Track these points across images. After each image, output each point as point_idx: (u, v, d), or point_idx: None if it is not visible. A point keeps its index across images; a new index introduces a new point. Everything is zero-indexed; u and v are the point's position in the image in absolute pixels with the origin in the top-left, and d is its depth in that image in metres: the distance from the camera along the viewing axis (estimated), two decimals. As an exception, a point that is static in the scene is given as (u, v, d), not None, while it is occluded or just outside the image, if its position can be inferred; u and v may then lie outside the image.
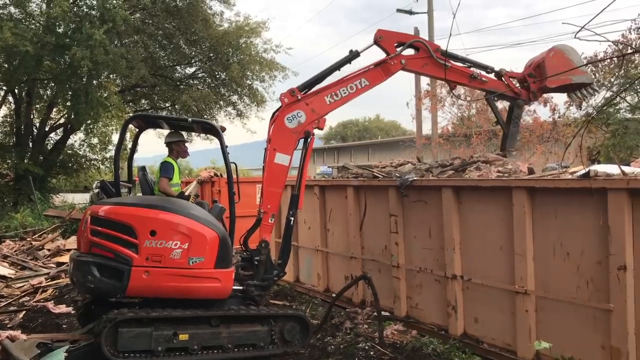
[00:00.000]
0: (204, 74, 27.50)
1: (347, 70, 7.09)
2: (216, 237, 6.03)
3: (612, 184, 4.92)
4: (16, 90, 23.30)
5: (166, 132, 7.76)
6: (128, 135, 17.66)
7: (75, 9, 20.11)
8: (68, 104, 21.98)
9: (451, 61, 7.25)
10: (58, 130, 25.54)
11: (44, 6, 20.69)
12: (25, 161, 22.50)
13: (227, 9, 26.43)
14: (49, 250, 13.85)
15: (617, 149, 16.32)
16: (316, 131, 6.99)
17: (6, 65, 19.75)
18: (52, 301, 9.26)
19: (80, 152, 26.75)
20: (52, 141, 25.57)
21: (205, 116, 25.76)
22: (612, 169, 5.31)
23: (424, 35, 24.91)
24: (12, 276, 11.18)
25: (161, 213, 5.96)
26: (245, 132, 28.45)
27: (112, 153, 24.57)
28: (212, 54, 25.73)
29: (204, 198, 13.00)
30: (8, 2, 20.03)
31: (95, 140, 25.45)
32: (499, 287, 6.10)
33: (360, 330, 7.20)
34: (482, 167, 7.18)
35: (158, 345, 5.70)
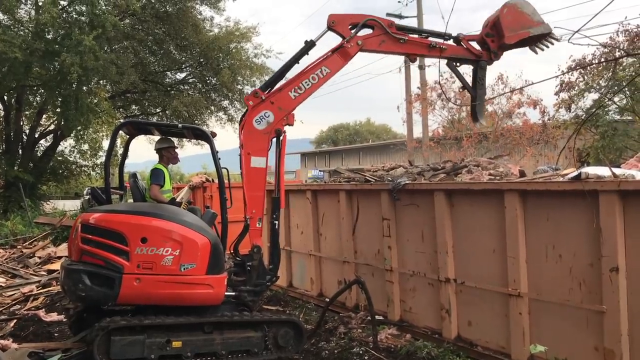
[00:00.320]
0: (194, 79, 27.48)
1: (306, 62, 7.04)
2: (207, 243, 6.01)
3: (603, 185, 4.95)
4: (5, 97, 23.18)
5: (157, 138, 7.72)
6: (119, 141, 17.63)
7: (64, 15, 20.06)
8: (58, 110, 21.90)
9: (407, 34, 7.24)
10: (48, 137, 25.40)
11: (33, 12, 20.63)
12: (15, 168, 22.34)
13: (217, 14, 26.46)
14: (39, 257, 13.73)
15: (606, 150, 16.46)
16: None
17: (-5, 72, 19.64)
18: (44, 309, 9.18)
19: (71, 159, 26.63)
20: (42, 148, 25.41)
21: (196, 121, 25.73)
22: (603, 170, 5.33)
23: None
24: (3, 284, 11.08)
25: (152, 220, 5.93)
26: (236, 137, 28.38)
27: (103, 159, 24.45)
28: (202, 59, 25.72)
29: (196, 204, 12.96)
30: (-4, 9, 19.93)
31: (85, 147, 25.38)
32: (492, 290, 6.11)
33: (354, 335, 7.18)
34: (473, 170, 7.19)
35: (151, 353, 5.67)
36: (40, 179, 24.60)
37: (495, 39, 7.27)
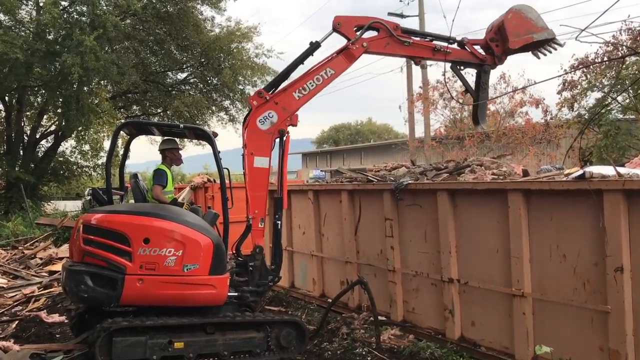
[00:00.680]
0: (195, 79, 27.46)
1: (310, 62, 7.03)
2: (210, 244, 5.98)
3: (607, 185, 4.92)
4: (6, 98, 23.17)
5: (158, 138, 7.71)
6: (120, 142, 17.62)
7: (65, 16, 20.05)
8: (59, 110, 21.89)
9: (412, 37, 7.23)
10: (49, 138, 25.40)
11: (34, 13, 20.64)
12: (16, 169, 22.34)
13: (218, 14, 26.35)
14: (41, 258, 13.72)
15: (609, 149, 16.42)
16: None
17: (-4, 73, 19.63)
18: (45, 310, 9.16)
19: (72, 159, 26.61)
20: (43, 148, 25.41)
21: (197, 122, 25.69)
22: (607, 170, 5.31)
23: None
24: (4, 285, 11.07)
25: (154, 220, 5.91)
26: (238, 137, 28.43)
27: (104, 160, 24.47)
28: (203, 59, 25.70)
29: (197, 204, 12.95)
30: (-3, 9, 19.92)
31: (86, 147, 25.33)
32: (496, 290, 6.08)
33: (357, 336, 7.16)
34: (476, 169, 7.17)
35: (153, 354, 5.65)
36: (42, 179, 24.60)
37: (500, 43, 7.28)
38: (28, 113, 24.48)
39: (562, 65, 21.71)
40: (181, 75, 27.81)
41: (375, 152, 54.98)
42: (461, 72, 7.54)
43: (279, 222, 6.98)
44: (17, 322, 8.69)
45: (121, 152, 13.16)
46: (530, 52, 7.38)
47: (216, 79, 26.02)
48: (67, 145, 26.21)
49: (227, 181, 6.66)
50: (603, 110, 16.42)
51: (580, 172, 5.35)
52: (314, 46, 7.00)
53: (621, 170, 5.38)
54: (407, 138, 28.26)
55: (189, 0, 23.72)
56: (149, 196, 7.24)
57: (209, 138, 6.77)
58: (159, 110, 27.75)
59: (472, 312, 6.45)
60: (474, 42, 7.46)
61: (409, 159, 16.51)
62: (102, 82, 22.89)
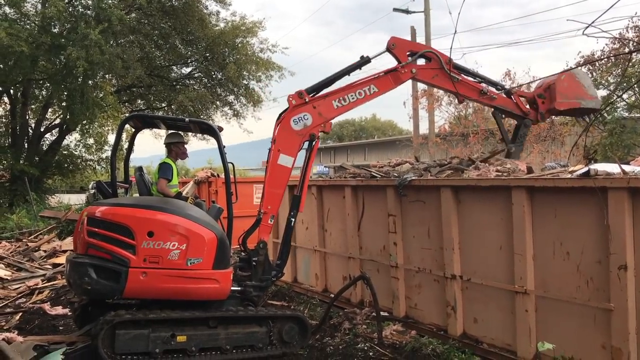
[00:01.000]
0: (200, 74, 27.45)
1: (356, 75, 7.12)
2: (214, 238, 5.99)
3: (612, 182, 4.90)
4: (11, 91, 23.21)
5: (163, 132, 7.71)
6: (124, 135, 17.64)
7: (70, 9, 20.06)
8: (64, 104, 21.92)
9: (462, 74, 7.25)
10: (54, 131, 25.45)
11: (39, 6, 20.64)
12: (21, 162, 22.40)
13: (223, 9, 26.35)
14: (45, 251, 13.78)
15: (614, 147, 16.35)
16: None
17: (1, 66, 19.66)
18: (49, 303, 9.20)
19: (76, 153, 26.66)
20: (47, 142, 25.44)
21: (201, 116, 25.69)
22: (612, 167, 5.29)
23: (421, 34, 24.94)
24: (8, 277, 11.12)
25: (159, 214, 5.92)
26: (242, 132, 28.47)
27: (108, 153, 24.52)
28: (208, 54, 25.68)
29: (201, 199, 12.97)
30: (3, 2, 19.93)
31: (91, 141, 25.41)
32: (499, 287, 6.08)
33: (359, 331, 7.17)
34: (480, 166, 7.15)
35: (156, 347, 5.66)
36: (46, 172, 24.65)
37: (547, 101, 7.35)
38: (33, 106, 24.50)
39: (567, 62, 21.63)
40: (186, 70, 27.83)
41: (379, 148, 54.91)
42: (502, 119, 7.63)
43: (293, 219, 7.00)
44: (20, 314, 8.74)
45: (126, 145, 13.19)
46: (573, 117, 7.45)
47: (221, 73, 26.00)
48: (72, 139, 26.33)
49: (231, 176, 6.67)
50: (608, 108, 16.35)
51: (585, 169, 5.34)
52: (364, 60, 7.10)
53: (626, 168, 5.36)
54: (411, 134, 28.23)
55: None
56: (154, 190, 7.25)
57: (214, 132, 6.77)
58: (163, 105, 27.77)
59: (474, 309, 6.44)
60: (520, 94, 7.54)
61: (413, 155, 16.50)
62: (106, 75, 22.91)
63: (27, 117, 24.17)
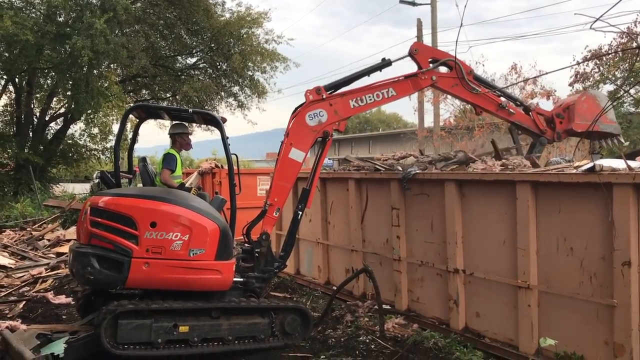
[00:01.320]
0: (205, 64, 27.38)
1: (375, 77, 7.11)
2: (217, 229, 5.99)
3: (618, 178, 4.87)
4: (17, 80, 23.22)
5: (167, 122, 7.70)
6: (128, 125, 17.62)
7: (75, -2, 19.99)
8: (68, 93, 21.90)
9: (482, 86, 7.21)
10: (58, 120, 25.48)
11: (45, -5, 20.57)
12: (26, 151, 22.45)
13: (228, -1, 26.30)
14: (48, 240, 13.82)
15: (620, 143, 16.25)
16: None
17: (6, 54, 19.66)
18: (52, 292, 9.25)
19: (81, 142, 26.72)
20: (52, 131, 25.48)
21: (206, 107, 25.64)
22: (618, 163, 5.26)
23: (427, 26, 24.79)
24: (12, 266, 11.16)
25: (162, 204, 5.91)
26: (247, 123, 28.33)
27: (113, 143, 24.51)
28: (213, 45, 25.60)
29: (205, 190, 12.97)
30: (8, -10, 19.91)
31: (95, 130, 25.42)
32: (501, 282, 6.07)
33: (361, 324, 7.18)
34: (486, 160, 7.13)
35: (158, 337, 5.66)
36: (50, 162, 24.71)
37: (565, 121, 7.31)
38: (38, 95, 24.51)
39: (574, 56, 21.50)
40: (191, 60, 27.76)
41: (384, 141, 54.76)
42: (518, 135, 7.65)
43: (300, 212, 7.00)
44: (24, 302, 8.79)
45: (130, 135, 13.17)
46: (590, 139, 7.42)
47: (225, 64, 25.93)
48: (77, 128, 26.35)
49: (235, 167, 6.66)
50: (615, 103, 16.26)
51: (590, 164, 5.30)
52: (385, 63, 7.12)
53: (632, 163, 5.33)
54: (416, 127, 28.13)
55: (200, -16, 23.59)
56: (157, 180, 7.25)
57: (217, 123, 6.75)
58: (168, 95, 27.74)
59: (477, 303, 6.44)
60: (539, 112, 7.49)
61: (418, 148, 16.44)
62: (111, 65, 22.89)
63: (32, 106, 24.20)
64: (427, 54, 7.22)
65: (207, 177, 13.62)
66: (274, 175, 6.75)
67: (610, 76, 18.02)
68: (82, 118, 23.05)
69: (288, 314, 6.40)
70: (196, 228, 5.86)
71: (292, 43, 26.34)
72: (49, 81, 23.92)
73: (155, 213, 5.80)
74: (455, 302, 6.61)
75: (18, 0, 20.33)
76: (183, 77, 26.96)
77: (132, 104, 20.15)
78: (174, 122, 7.56)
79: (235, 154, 6.75)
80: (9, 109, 25.29)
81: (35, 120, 24.42)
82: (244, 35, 25.04)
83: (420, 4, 25.62)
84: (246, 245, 6.78)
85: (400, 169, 7.59)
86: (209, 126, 9.58)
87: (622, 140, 7.40)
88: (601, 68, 18.17)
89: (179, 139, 7.43)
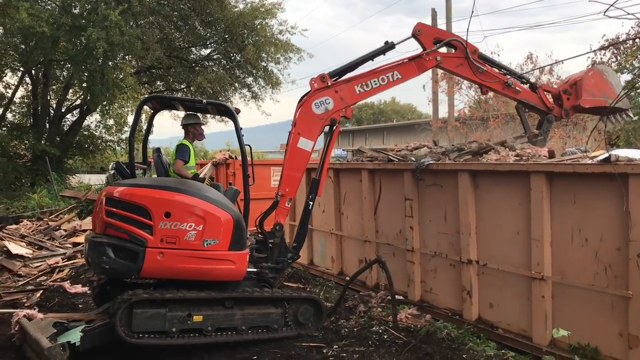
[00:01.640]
0: (219, 55, 27.37)
1: (379, 61, 7.06)
2: (230, 220, 6.03)
3: (633, 169, 4.82)
4: (33, 71, 23.41)
5: (181, 113, 7.73)
6: (143, 116, 17.73)
7: (90, -10, 20.07)
8: (84, 85, 22.06)
9: (487, 65, 7.14)
10: (74, 112, 25.69)
11: (60, -13, 20.68)
12: (42, 142, 22.67)
13: (242, -10, 26.08)
14: (65, 230, 13.98)
15: (637, 133, 16.06)
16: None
17: (23, 46, 19.84)
18: (69, 281, 9.36)
19: (97, 134, 26.94)
20: (68, 122, 25.71)
21: (220, 98, 25.66)
22: (634, 153, 5.20)
23: (442, 16, 24.59)
24: (30, 256, 11.32)
25: (176, 195, 5.96)
26: (260, 114, 28.52)
27: (128, 134, 24.66)
28: (227, 36, 25.57)
29: (219, 180, 13.02)
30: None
31: (111, 122, 25.63)
32: (515, 273, 6.04)
33: (373, 314, 7.19)
34: (500, 150, 7.08)
35: (172, 327, 5.74)
36: (67, 153, 24.94)
37: (572, 97, 7.19)
38: (54, 87, 24.70)
39: (591, 46, 21.23)
40: (205, 51, 27.75)
41: (398, 132, 54.54)
42: (525, 114, 7.53)
43: (312, 202, 7.01)
44: (41, 291, 8.90)
45: (144, 126, 13.26)
46: (598, 115, 7.31)
47: (239, 55, 25.89)
48: (92, 120, 26.56)
49: (248, 158, 6.68)
50: (632, 93, 16.03)
51: (606, 155, 5.24)
52: (388, 46, 7.05)
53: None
54: (430, 118, 27.99)
55: (213, -25, 23.54)
56: (171, 171, 7.30)
57: (231, 114, 6.77)
58: (182, 86, 27.80)
59: (490, 294, 6.42)
60: (546, 89, 7.42)
61: (432, 139, 16.36)
62: (126, 57, 22.96)
63: (48, 98, 24.39)
64: (431, 34, 7.12)
65: (221, 168, 13.67)
66: (283, 166, 6.77)
67: (627, 65, 17.76)
68: (98, 109, 23.21)
69: (301, 304, 6.45)
70: (210, 218, 5.90)
71: (306, 34, 26.27)
72: (64, 73, 24.08)
73: (170, 203, 5.85)
74: (469, 293, 6.60)
75: (34, -8, 20.44)
76: (197, 68, 26.99)
77: (146, 95, 20.21)
78: (187, 113, 7.59)
79: (249, 145, 6.77)
80: (25, 100, 25.51)
81: (52, 111, 24.62)
82: (258, 26, 24.98)
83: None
84: (260, 235, 6.81)
85: (414, 159, 7.56)
86: (223, 117, 9.61)
87: (631, 115, 7.25)
88: (618, 57, 17.92)
89: (192, 130, 7.46)
